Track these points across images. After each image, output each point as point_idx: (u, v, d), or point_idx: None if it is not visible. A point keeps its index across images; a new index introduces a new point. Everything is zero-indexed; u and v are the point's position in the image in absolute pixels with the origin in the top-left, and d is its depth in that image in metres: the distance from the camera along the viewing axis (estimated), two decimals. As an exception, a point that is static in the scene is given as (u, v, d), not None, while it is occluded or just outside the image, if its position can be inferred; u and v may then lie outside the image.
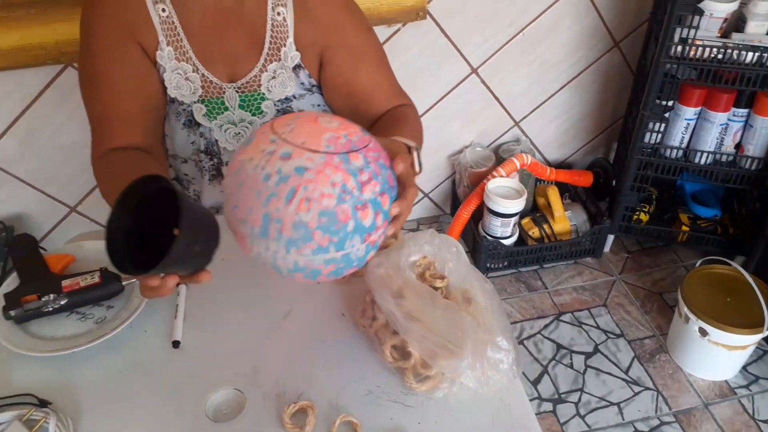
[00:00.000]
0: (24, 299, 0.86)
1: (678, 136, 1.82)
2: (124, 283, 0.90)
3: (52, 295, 0.87)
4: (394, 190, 0.75)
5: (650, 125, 1.78)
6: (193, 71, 1.04)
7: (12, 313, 0.85)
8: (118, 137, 1.03)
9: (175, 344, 0.86)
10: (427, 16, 1.76)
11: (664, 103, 1.74)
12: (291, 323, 0.90)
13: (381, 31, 1.77)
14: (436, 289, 0.90)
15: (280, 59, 1.04)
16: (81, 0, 1.02)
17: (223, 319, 0.89)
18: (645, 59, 1.81)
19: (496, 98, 2.02)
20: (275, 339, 0.88)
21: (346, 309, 0.92)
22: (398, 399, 0.80)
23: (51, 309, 0.87)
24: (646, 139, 1.81)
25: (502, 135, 2.13)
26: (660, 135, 1.80)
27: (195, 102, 1.06)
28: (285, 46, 1.03)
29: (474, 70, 1.93)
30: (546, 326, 1.89)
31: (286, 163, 0.70)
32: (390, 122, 1.08)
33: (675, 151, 1.84)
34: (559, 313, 1.92)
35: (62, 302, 0.87)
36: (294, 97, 1.09)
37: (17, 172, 1.77)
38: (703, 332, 1.63)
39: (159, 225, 0.73)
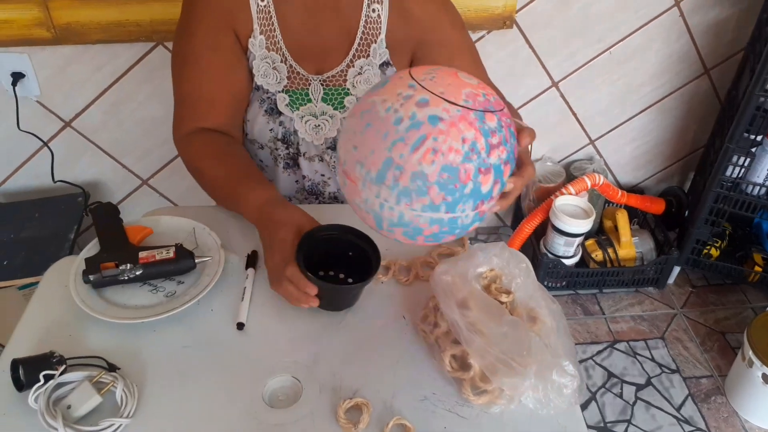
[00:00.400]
0: (103, 266, 0.89)
1: (763, 172, 1.74)
2: (197, 260, 0.92)
3: (128, 265, 0.90)
4: (515, 163, 0.73)
5: (734, 158, 1.71)
6: (282, 61, 1.06)
7: (91, 277, 0.89)
8: (203, 119, 1.05)
9: (240, 326, 0.87)
10: (514, 25, 1.74)
11: (752, 137, 1.67)
12: (352, 319, 0.90)
13: (464, 37, 1.76)
14: (500, 303, 0.89)
15: (368, 56, 1.05)
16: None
17: (287, 307, 0.91)
18: (736, 90, 1.74)
19: (574, 114, 1.98)
20: (336, 333, 0.88)
21: (408, 312, 0.92)
22: (453, 409, 0.79)
23: (126, 278, 0.90)
24: (728, 173, 1.74)
25: (576, 152, 2.09)
26: (743, 170, 1.73)
27: (279, 91, 1.08)
28: (375, 42, 1.04)
29: (554, 84, 1.90)
30: (599, 352, 1.84)
31: (422, 109, 0.68)
32: None
33: (757, 188, 1.76)
34: (614, 341, 1.87)
35: (137, 273, 0.90)
36: None
37: (98, 141, 1.84)
38: (767, 379, 1.55)
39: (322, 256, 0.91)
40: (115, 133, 1.83)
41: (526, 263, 0.93)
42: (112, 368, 0.79)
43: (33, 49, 1.63)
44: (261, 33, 1.03)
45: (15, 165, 1.85)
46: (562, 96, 1.93)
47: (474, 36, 1.76)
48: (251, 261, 0.97)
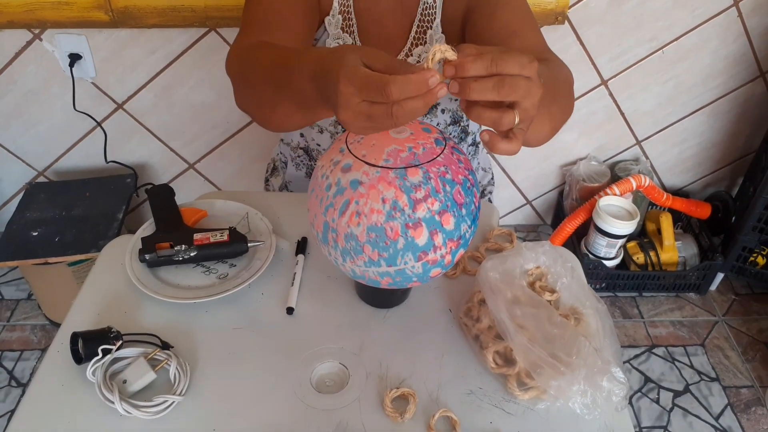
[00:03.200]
0: (158, 246, 0.92)
1: (817, 180, 1.70)
2: (249, 245, 0.94)
3: (183, 246, 0.92)
4: (464, 208, 0.74)
5: (787, 165, 1.66)
6: (352, 44, 1.06)
7: (147, 257, 0.91)
8: (272, 34, 0.92)
9: (289, 311, 0.89)
10: (566, 21, 1.72)
11: (807, 143, 1.63)
12: (399, 310, 0.91)
13: (514, 32, 1.74)
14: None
15: (425, 42, 1.05)
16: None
17: (336, 294, 0.92)
18: (793, 94, 1.69)
19: (622, 113, 1.95)
20: (383, 322, 0.89)
21: (454, 306, 0.93)
22: (499, 404, 0.79)
23: (180, 258, 0.92)
24: (780, 179, 1.69)
25: (621, 152, 2.06)
26: (796, 177, 1.68)
27: None
28: (431, 28, 1.03)
29: (604, 82, 1.87)
30: (636, 356, 1.82)
31: (345, 175, 0.72)
32: None
33: (810, 196, 1.71)
34: (652, 345, 1.85)
35: (192, 254, 0.92)
36: None
37: (148, 124, 1.88)
38: (813, 393, 1.52)
39: None
40: (165, 117, 1.87)
41: (572, 263, 0.93)
42: (165, 346, 0.82)
43: (90, 31, 1.67)
44: (340, 13, 1.04)
45: (69, 144, 1.91)
46: (611, 95, 1.90)
47: (524, 31, 1.74)
48: (301, 247, 0.98)
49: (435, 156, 0.73)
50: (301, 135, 1.21)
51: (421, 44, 1.05)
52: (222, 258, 0.95)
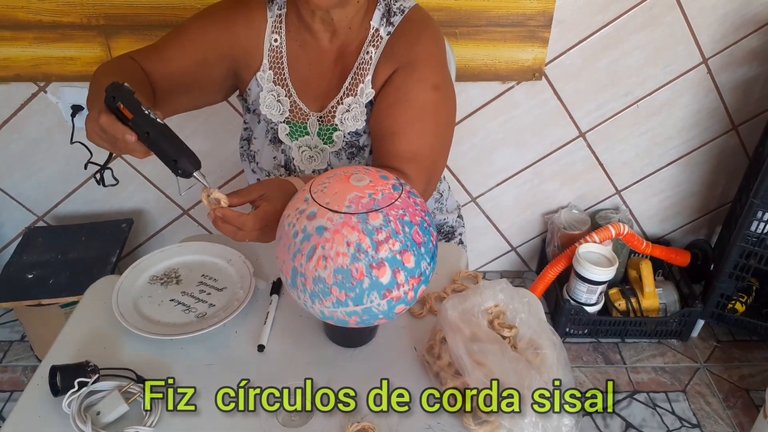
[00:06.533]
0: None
1: (788, 229, 1.75)
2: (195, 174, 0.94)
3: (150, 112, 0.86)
4: (423, 247, 0.80)
5: (759, 214, 1.72)
6: (286, 96, 1.15)
7: (113, 96, 0.85)
8: (152, 71, 1.10)
9: (260, 348, 0.93)
10: (543, 77, 1.81)
11: (776, 193, 1.69)
12: (366, 348, 0.96)
13: (494, 86, 1.83)
14: (503, 338, 0.93)
15: (356, 94, 1.13)
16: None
17: (307, 333, 0.97)
18: (764, 147, 1.76)
19: (600, 164, 2.03)
20: (351, 360, 0.93)
21: (419, 344, 0.97)
22: (455, 438, 0.83)
23: (147, 112, 0.85)
24: (753, 228, 1.75)
25: (601, 201, 2.12)
26: (768, 226, 1.73)
27: (281, 122, 1.17)
28: (363, 82, 1.12)
29: (582, 134, 1.95)
30: (618, 402, 1.84)
31: (311, 222, 0.79)
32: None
33: (783, 244, 1.76)
34: (634, 391, 1.87)
35: (158, 120, 0.86)
36: (363, 132, 1.15)
37: (144, 171, 1.96)
38: (789, 439, 1.53)
39: None
40: (161, 165, 1.92)
41: (529, 298, 0.98)
42: (140, 380, 0.86)
43: (92, 84, 1.76)
44: (270, 68, 1.14)
45: (68, 191, 1.98)
46: (589, 146, 1.98)
47: (503, 86, 1.83)
48: (276, 287, 1.03)
49: (393, 200, 0.80)
50: (258, 180, 1.29)
51: (352, 95, 1.13)
52: (170, 154, 0.90)
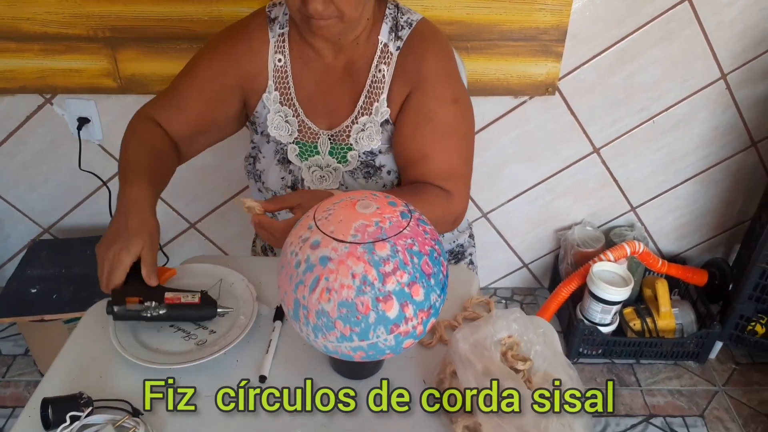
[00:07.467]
0: (129, 299, 0.92)
1: (810, 250, 1.69)
2: (219, 310, 0.96)
3: (153, 303, 0.92)
4: (432, 278, 0.75)
5: (780, 235, 1.67)
6: (294, 116, 1.13)
7: (115, 308, 0.91)
8: (166, 119, 1.13)
9: (262, 379, 0.90)
10: (556, 92, 1.77)
11: (798, 213, 1.63)
12: (372, 379, 0.92)
13: (507, 101, 1.80)
14: (517, 371, 0.89)
15: (371, 113, 1.10)
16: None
17: (310, 363, 0.93)
18: (783, 164, 1.71)
19: (615, 180, 1.98)
20: (356, 392, 0.90)
21: (428, 376, 0.93)
22: (465, 480, 0.79)
23: (149, 315, 0.92)
24: (773, 249, 1.69)
25: (616, 218, 2.07)
26: (789, 246, 1.68)
27: (290, 143, 1.14)
28: (378, 101, 1.09)
29: (596, 150, 1.91)
30: (633, 426, 1.78)
31: (315, 251, 0.73)
32: (401, 192, 1.08)
33: (805, 266, 1.70)
34: (650, 415, 1.81)
35: (161, 312, 0.92)
36: (380, 152, 1.13)
37: (152, 184, 1.93)
38: (812, 470, 1.47)
39: None
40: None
41: (544, 329, 0.93)
42: (136, 413, 0.83)
43: (99, 96, 1.75)
44: (276, 89, 1.12)
45: (74, 203, 1.96)
46: (604, 162, 1.93)
47: (516, 101, 1.79)
48: (279, 313, 1.00)
49: (401, 229, 0.75)
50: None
51: (367, 114, 1.10)
52: (191, 320, 0.96)
